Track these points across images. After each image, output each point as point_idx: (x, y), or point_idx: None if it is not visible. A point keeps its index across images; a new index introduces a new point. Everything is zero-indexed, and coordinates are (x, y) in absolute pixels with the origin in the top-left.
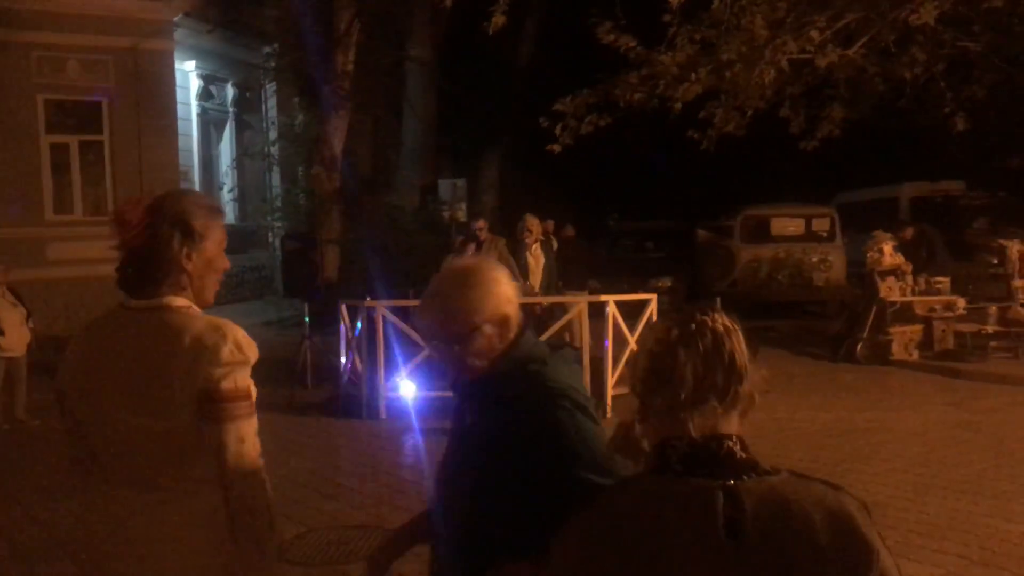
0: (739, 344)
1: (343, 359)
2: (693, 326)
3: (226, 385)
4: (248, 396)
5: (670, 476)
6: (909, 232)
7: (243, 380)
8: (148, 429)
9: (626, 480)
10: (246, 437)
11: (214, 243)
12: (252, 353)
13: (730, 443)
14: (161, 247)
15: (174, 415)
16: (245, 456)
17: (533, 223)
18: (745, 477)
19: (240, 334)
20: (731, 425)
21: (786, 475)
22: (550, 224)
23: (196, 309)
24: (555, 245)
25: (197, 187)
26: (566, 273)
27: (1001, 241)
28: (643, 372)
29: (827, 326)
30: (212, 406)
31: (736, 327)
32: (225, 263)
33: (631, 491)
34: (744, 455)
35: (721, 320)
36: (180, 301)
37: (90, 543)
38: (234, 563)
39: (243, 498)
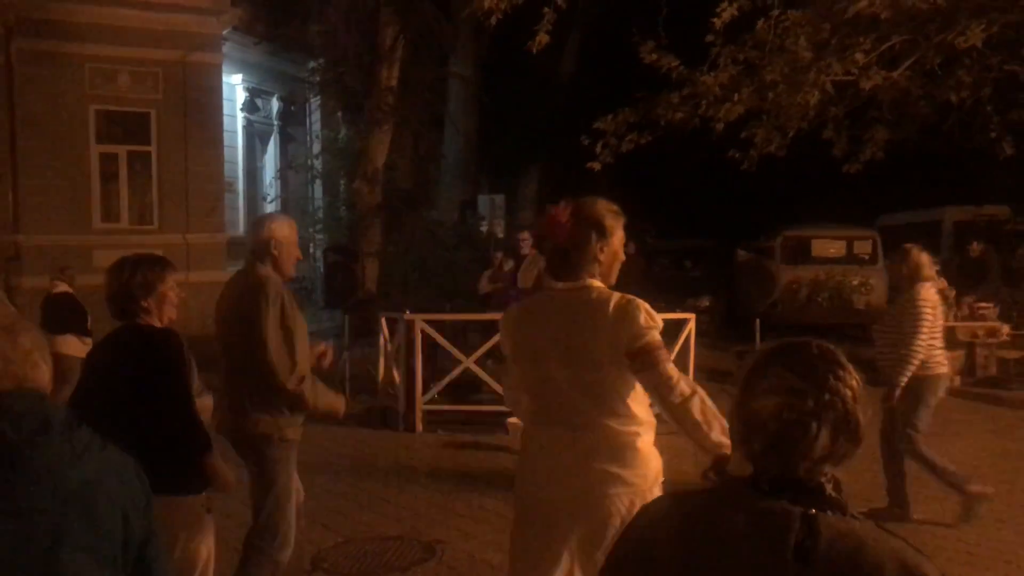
0: (865, 411)
1: (381, 371)
2: (827, 397)
3: (650, 341)
4: (663, 347)
5: (753, 493)
6: (977, 249)
7: (658, 338)
8: (579, 379)
9: (711, 487)
10: (672, 371)
11: (617, 239)
12: (659, 320)
13: (823, 479)
14: (583, 243)
15: (600, 368)
16: (675, 383)
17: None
18: (828, 512)
19: (647, 306)
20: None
21: (871, 524)
22: None
23: (607, 289)
24: None
25: (241, 199)
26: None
27: None
28: (772, 438)
29: (867, 350)
30: (645, 357)
31: (860, 385)
32: (622, 256)
33: (712, 497)
34: (834, 494)
35: (850, 384)
36: (596, 283)
37: (522, 468)
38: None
39: (683, 407)
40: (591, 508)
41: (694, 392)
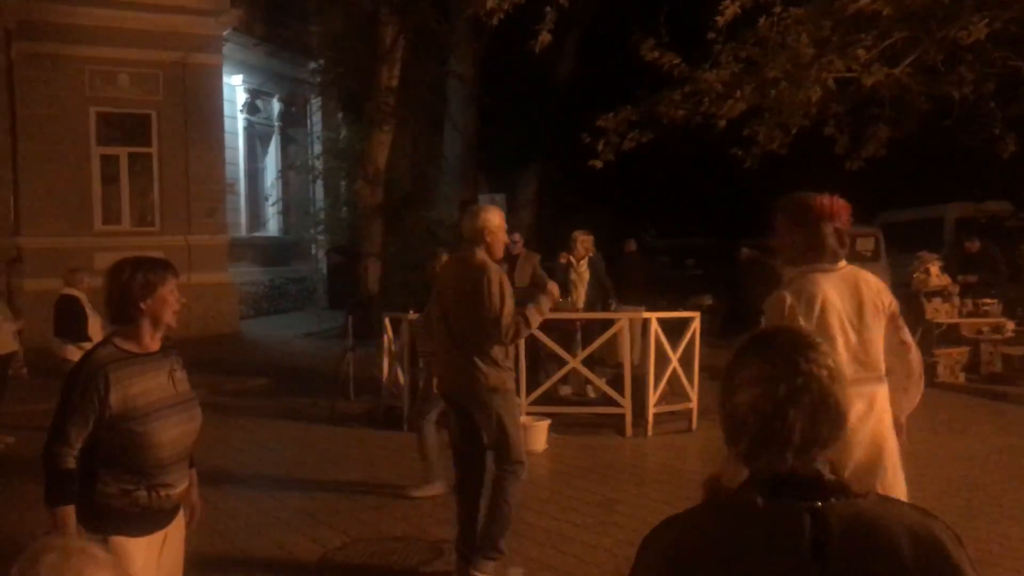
0: (843, 388)
1: (385, 371)
2: (800, 380)
3: (897, 308)
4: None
5: (757, 498)
6: (975, 245)
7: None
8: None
9: (712, 500)
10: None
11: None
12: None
13: (818, 466)
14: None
15: (879, 329)
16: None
17: (578, 240)
18: (832, 499)
19: (883, 284)
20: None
21: (875, 498)
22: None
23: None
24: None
25: (242, 200)
26: (627, 288)
27: None
28: (753, 432)
29: None
30: (897, 321)
31: (839, 366)
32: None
33: (716, 511)
34: (832, 477)
35: (824, 363)
36: (842, 263)
37: None
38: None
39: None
40: None
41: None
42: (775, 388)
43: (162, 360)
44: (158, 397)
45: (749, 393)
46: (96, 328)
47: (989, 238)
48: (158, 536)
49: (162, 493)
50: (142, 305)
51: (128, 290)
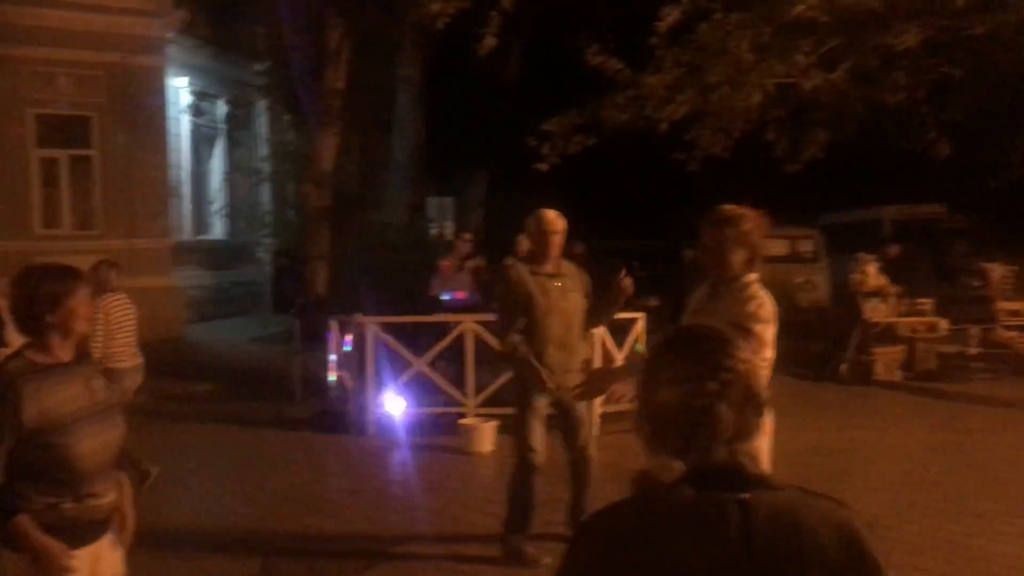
0: (759, 381)
1: (332, 375)
2: (726, 375)
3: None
4: None
5: (684, 490)
6: (894, 251)
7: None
8: None
9: (641, 493)
10: None
11: None
12: None
13: (741, 458)
14: None
15: None
16: None
17: (522, 242)
18: (757, 491)
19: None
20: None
21: (795, 491)
22: None
23: None
24: None
25: (187, 203)
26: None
27: (983, 264)
28: (682, 429)
29: (810, 346)
30: None
31: (750, 358)
32: None
33: (647, 503)
34: (755, 469)
35: (742, 358)
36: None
37: None
38: None
39: None
40: None
41: None
42: (702, 385)
43: (76, 369)
44: (75, 408)
45: (676, 391)
46: (14, 335)
47: (924, 240)
48: (88, 550)
49: (90, 503)
50: (48, 318)
51: (33, 302)
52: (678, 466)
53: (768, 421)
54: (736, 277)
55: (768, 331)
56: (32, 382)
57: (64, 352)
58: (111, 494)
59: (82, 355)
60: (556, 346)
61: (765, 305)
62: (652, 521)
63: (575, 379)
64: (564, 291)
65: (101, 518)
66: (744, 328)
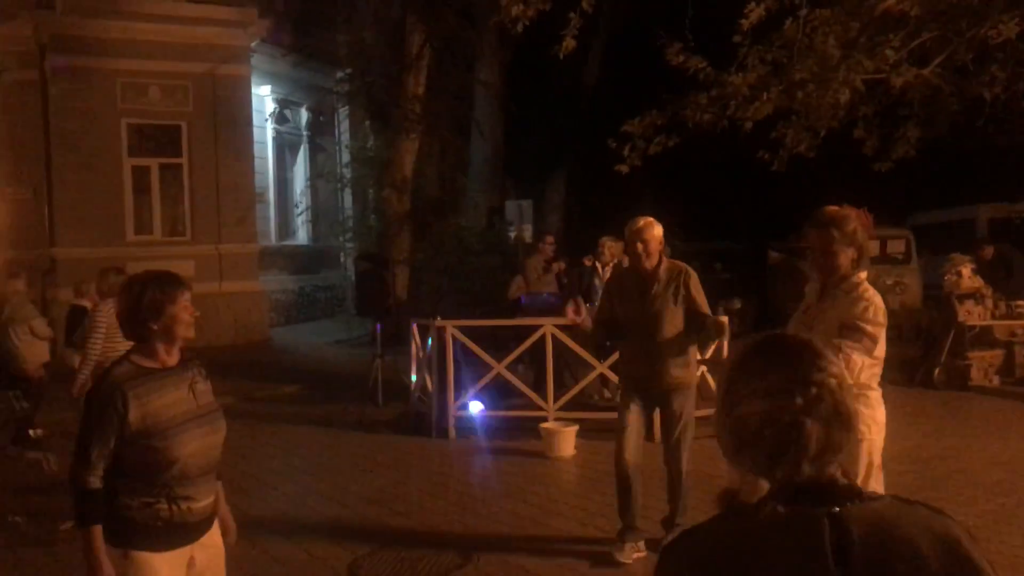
0: (851, 395)
1: (413, 378)
2: (814, 390)
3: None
4: None
5: (775, 506)
6: (988, 252)
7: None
8: None
9: (730, 510)
10: None
11: None
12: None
13: (831, 470)
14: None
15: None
16: None
17: (605, 245)
18: (849, 504)
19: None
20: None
21: (889, 500)
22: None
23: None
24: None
25: (272, 209)
26: None
27: None
28: (767, 444)
29: (903, 350)
30: None
31: (843, 372)
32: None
33: (736, 520)
34: (845, 481)
35: (833, 372)
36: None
37: None
38: None
39: None
40: None
41: None
42: (791, 399)
43: (181, 373)
44: (179, 411)
45: (761, 404)
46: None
47: (1020, 239)
48: (183, 552)
49: (183, 506)
50: (153, 325)
51: (138, 310)
52: (764, 485)
53: (881, 413)
54: (845, 277)
55: (880, 331)
56: (138, 386)
57: (169, 356)
58: (208, 498)
59: (187, 359)
60: (641, 343)
61: (876, 305)
62: (741, 541)
63: (669, 376)
64: (651, 293)
65: (195, 521)
66: (856, 328)
